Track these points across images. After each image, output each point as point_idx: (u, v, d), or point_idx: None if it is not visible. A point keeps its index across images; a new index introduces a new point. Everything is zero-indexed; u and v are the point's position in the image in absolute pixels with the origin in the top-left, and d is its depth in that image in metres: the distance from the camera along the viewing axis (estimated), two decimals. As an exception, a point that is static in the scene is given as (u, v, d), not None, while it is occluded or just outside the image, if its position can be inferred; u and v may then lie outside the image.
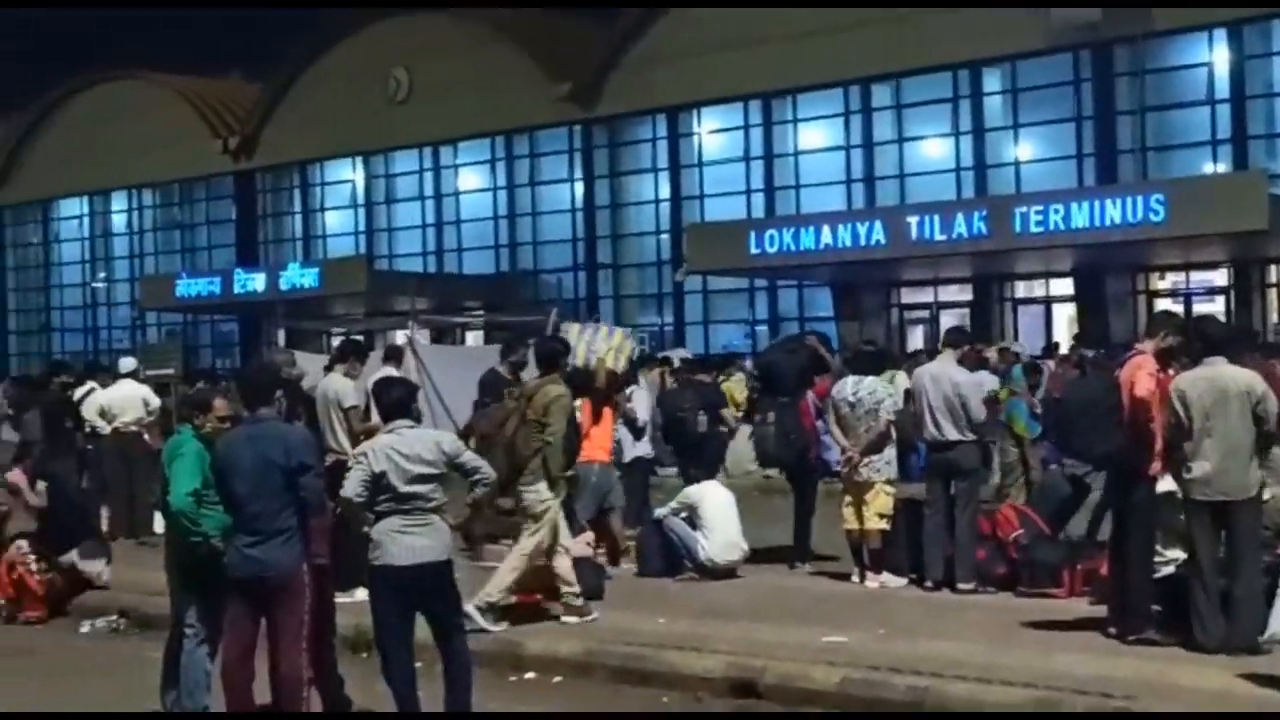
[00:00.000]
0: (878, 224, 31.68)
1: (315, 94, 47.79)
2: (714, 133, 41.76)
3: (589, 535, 13.67)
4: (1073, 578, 12.17)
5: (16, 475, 16.08)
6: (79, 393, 18.46)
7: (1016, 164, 36.30)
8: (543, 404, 11.78)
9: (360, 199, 49.31)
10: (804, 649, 10.40)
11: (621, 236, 43.69)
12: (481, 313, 42.99)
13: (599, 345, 14.24)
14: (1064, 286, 35.40)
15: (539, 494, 11.66)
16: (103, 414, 17.53)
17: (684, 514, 13.85)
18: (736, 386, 24.03)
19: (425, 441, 8.98)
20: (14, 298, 59.85)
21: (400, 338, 22.75)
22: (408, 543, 8.76)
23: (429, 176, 47.29)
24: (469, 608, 10.56)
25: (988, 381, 16.66)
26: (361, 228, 49.04)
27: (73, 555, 13.92)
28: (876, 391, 13.20)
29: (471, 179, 46.99)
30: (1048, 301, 36.29)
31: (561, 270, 44.17)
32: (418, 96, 45.22)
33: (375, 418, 10.14)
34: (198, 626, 9.13)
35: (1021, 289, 37.18)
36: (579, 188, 43.95)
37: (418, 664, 9.01)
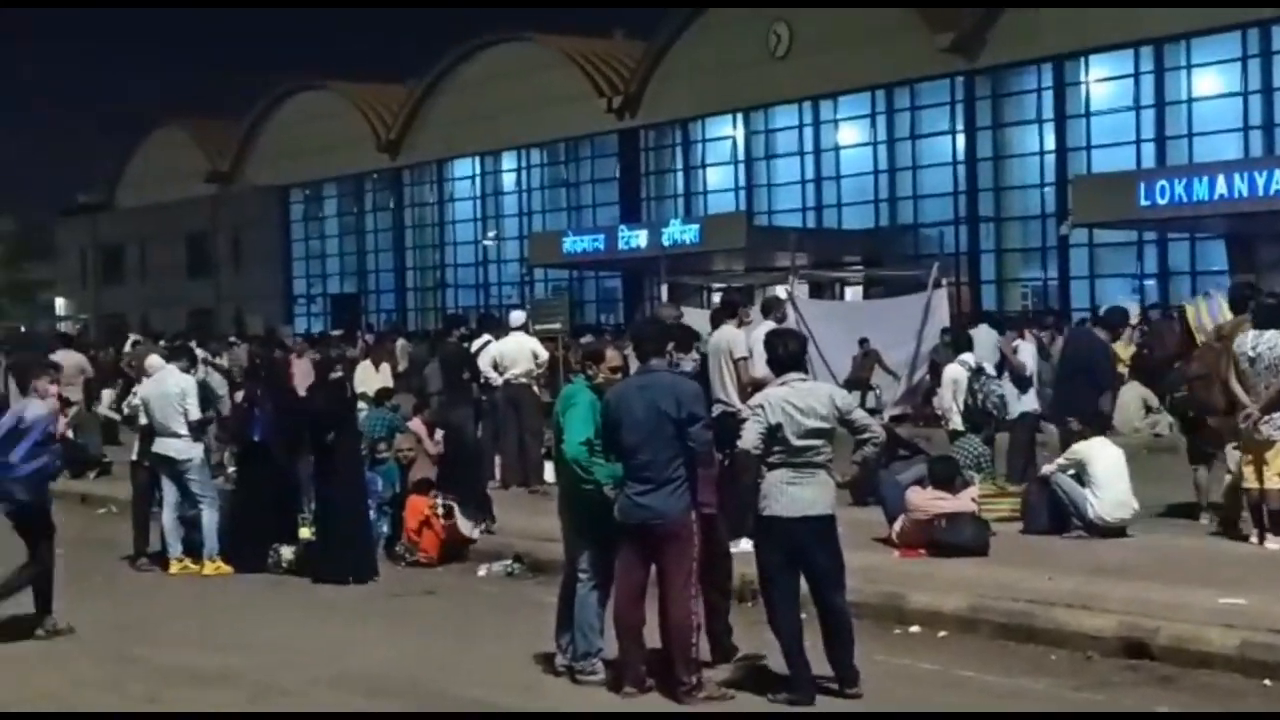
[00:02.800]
0: (1277, 173, 30.28)
1: (696, 51, 48.29)
2: (1101, 81, 40.55)
3: (974, 490, 13.54)
4: None
5: (417, 425, 16.85)
6: (475, 345, 19.14)
7: None
8: None
9: (740, 155, 49.66)
10: (1199, 610, 10.05)
11: (1004, 189, 42.88)
12: (860, 267, 42.86)
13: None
14: None
15: None
16: (495, 366, 18.09)
17: (1072, 471, 13.56)
18: (1123, 344, 23.32)
19: (819, 395, 9.01)
20: (411, 255, 62.41)
21: (781, 292, 22.81)
22: (796, 494, 8.83)
23: (808, 131, 47.27)
24: None
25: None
26: (741, 184, 49.40)
27: (455, 511, 14.47)
28: (1277, 346, 12.60)
29: (851, 133, 46.81)
30: None
31: (942, 224, 43.65)
32: (798, 51, 45.21)
33: (760, 370, 10.21)
34: (590, 571, 9.39)
35: None
36: (960, 140, 43.29)
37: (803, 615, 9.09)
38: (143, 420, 14.45)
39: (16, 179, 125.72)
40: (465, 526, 14.38)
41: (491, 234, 57.66)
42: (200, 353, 18.06)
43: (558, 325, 22.98)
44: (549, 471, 16.72)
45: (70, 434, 19.91)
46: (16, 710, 9.21)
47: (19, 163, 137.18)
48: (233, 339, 32.37)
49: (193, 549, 14.16)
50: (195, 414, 14.23)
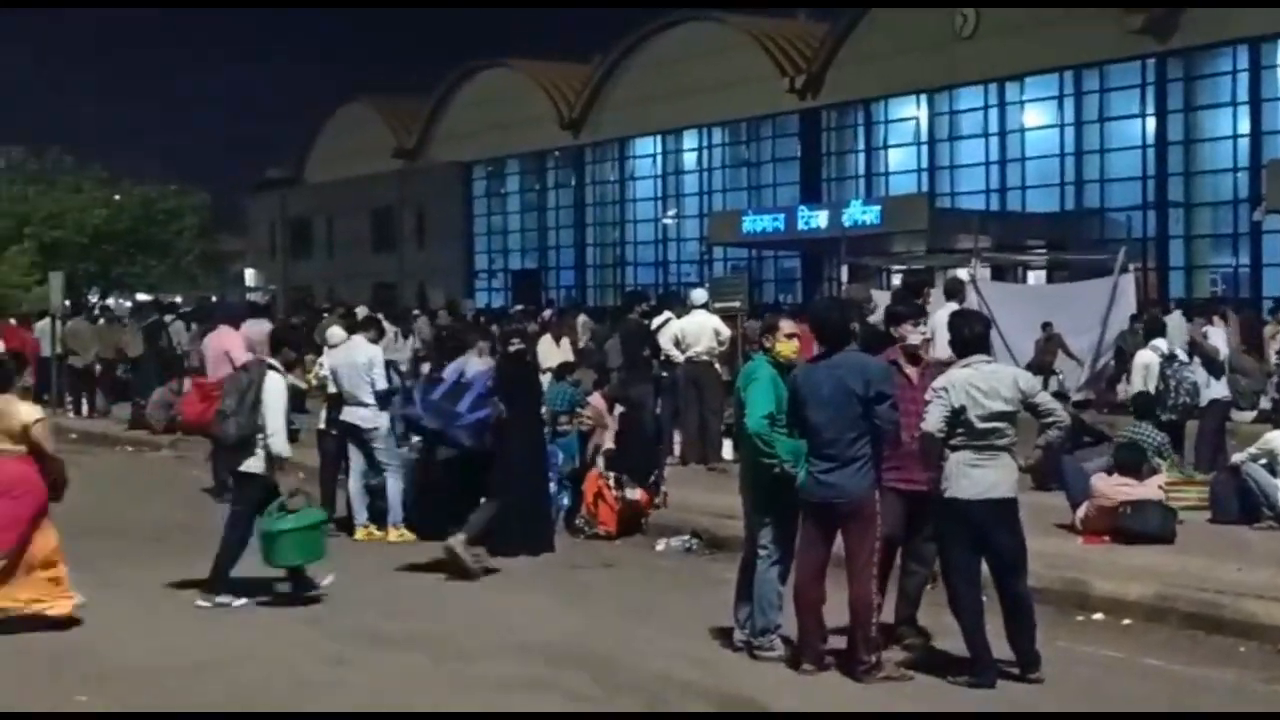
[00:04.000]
0: None
1: (880, 32, 47.90)
2: (1300, 63, 39.49)
3: (1161, 478, 13.32)
4: None
5: (597, 400, 16.99)
6: (656, 322, 19.23)
7: None
8: None
9: (923, 136, 49.20)
10: (1396, 607, 9.80)
11: (1195, 174, 41.98)
12: (1044, 251, 42.23)
13: None
14: None
15: None
16: (677, 343, 18.16)
17: (1264, 460, 13.26)
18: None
19: (1003, 378, 8.93)
20: (591, 232, 62.82)
21: (963, 275, 22.57)
22: (978, 476, 8.77)
23: (993, 113, 46.68)
24: None
25: None
26: (923, 165, 48.95)
27: (624, 481, 14.57)
28: None
29: (1037, 115, 46.13)
30: None
31: (1129, 209, 42.81)
32: (984, 32, 44.62)
33: (942, 351, 10.13)
34: (771, 548, 9.41)
35: None
36: (1150, 123, 42.43)
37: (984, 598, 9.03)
38: (331, 389, 14.78)
39: (212, 154, 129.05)
40: (635, 494, 14.51)
41: (671, 212, 57.80)
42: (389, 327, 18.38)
43: (736, 304, 22.92)
44: (728, 449, 16.81)
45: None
46: (202, 661, 9.49)
47: (214, 137, 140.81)
48: (415, 311, 32.94)
49: (378, 516, 14.45)
50: (382, 383, 14.51)
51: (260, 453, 11.31)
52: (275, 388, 11.31)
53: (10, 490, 10.37)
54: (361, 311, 16.22)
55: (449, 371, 13.12)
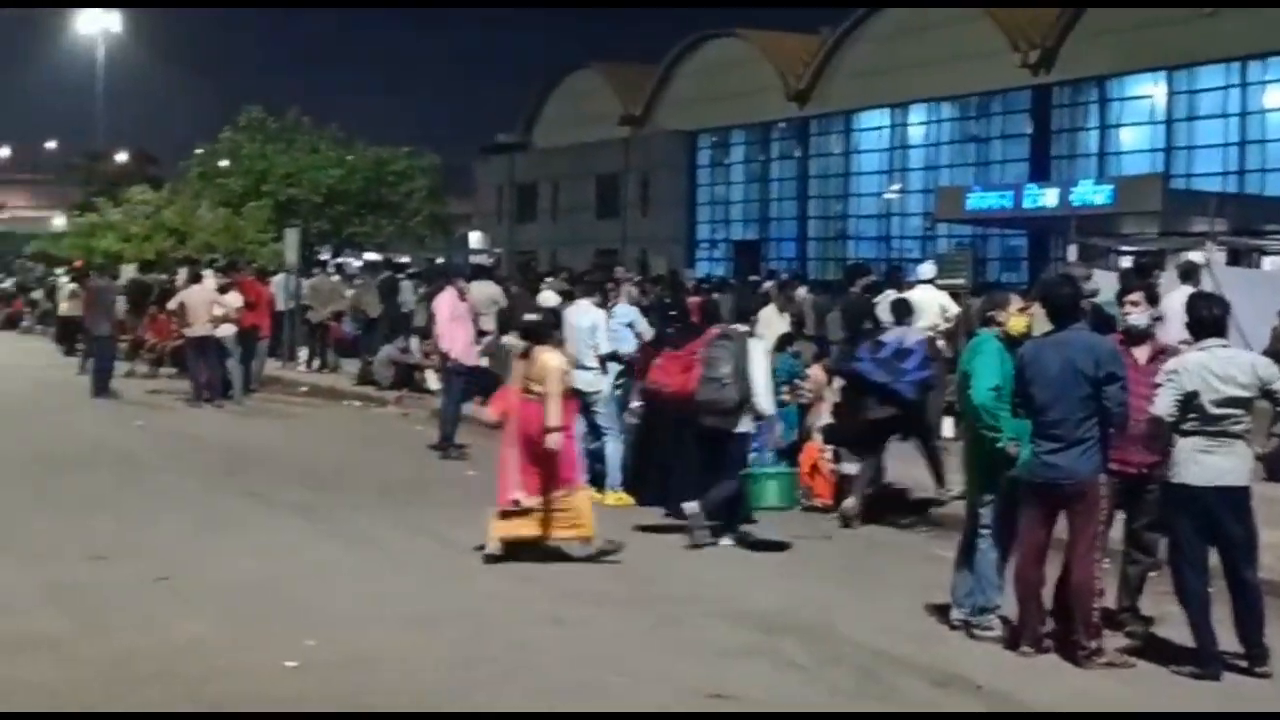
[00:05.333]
0: None
1: (1118, 8, 46.71)
2: None
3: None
4: None
5: (816, 372, 16.93)
6: (879, 296, 19.08)
7: None
8: None
9: (1160, 115, 47.96)
10: None
11: None
12: (1283, 237, 40.89)
13: None
14: None
15: None
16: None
17: None
18: None
19: (1239, 363, 8.70)
20: (814, 205, 62.55)
21: (1196, 258, 21.96)
22: (1209, 463, 8.58)
23: (1235, 93, 45.35)
24: None
25: None
26: (1159, 145, 47.73)
27: (840, 455, 14.50)
28: None
29: (1280, 96, 44.73)
30: None
31: (1376, 195, 41.28)
32: (1227, 10, 43.27)
33: (1174, 334, 9.90)
34: (992, 527, 9.33)
35: None
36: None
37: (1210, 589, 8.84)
38: (555, 351, 14.96)
39: (443, 117, 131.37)
40: (851, 468, 14.44)
41: (896, 187, 57.28)
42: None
43: (960, 281, 22.64)
44: (949, 427, 16.63)
45: (485, 362, 20.79)
46: (423, 615, 9.72)
47: (447, 101, 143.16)
48: (637, 278, 33.12)
49: (596, 480, 14.62)
50: (604, 348, 14.67)
51: (748, 413, 12.24)
52: (758, 353, 12.30)
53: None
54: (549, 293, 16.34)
55: (891, 338, 13.82)
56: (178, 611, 9.70)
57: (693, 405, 12.46)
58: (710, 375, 12.16)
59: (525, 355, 11.85)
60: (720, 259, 64.23)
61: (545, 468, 11.53)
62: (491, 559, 11.44)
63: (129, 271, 34.55)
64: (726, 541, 12.37)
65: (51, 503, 13.99)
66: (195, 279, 24.74)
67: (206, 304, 23.24)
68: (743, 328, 12.66)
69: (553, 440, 11.44)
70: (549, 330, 12.22)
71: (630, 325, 16.01)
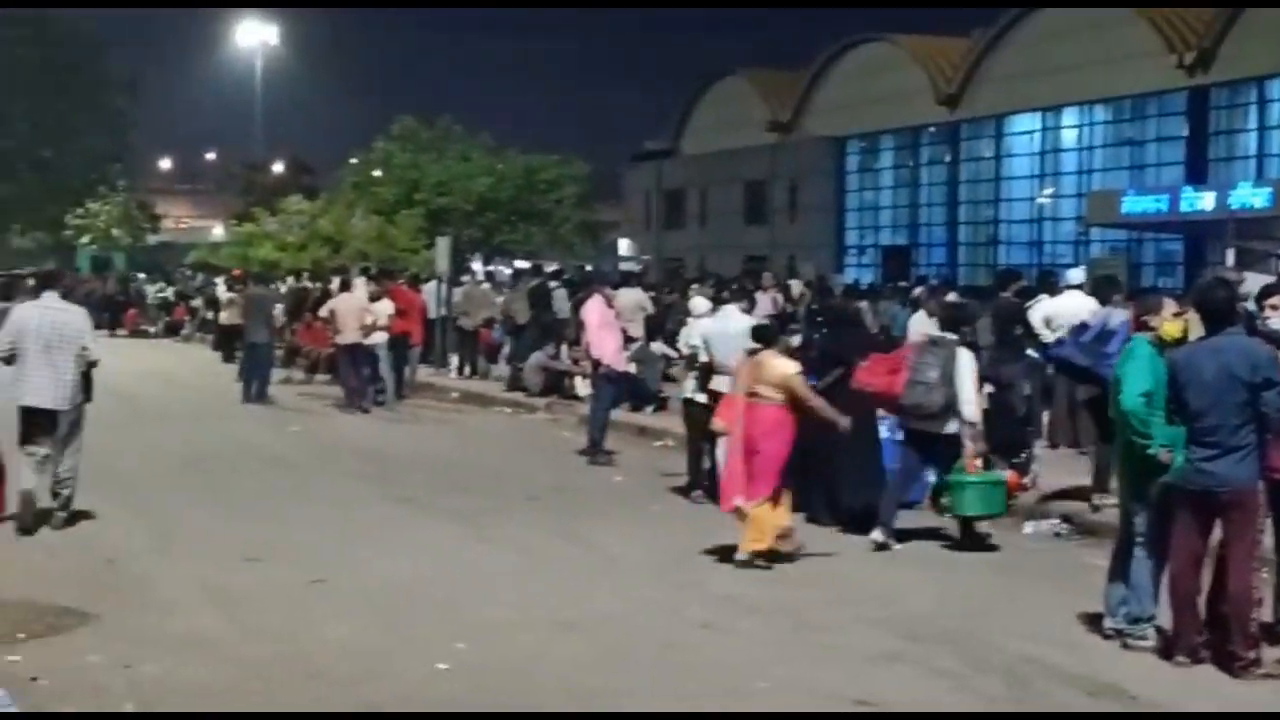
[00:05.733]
0: None
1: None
2: None
3: None
4: None
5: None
6: (1030, 302, 18.88)
7: None
8: None
9: (1322, 116, 46.87)
10: None
11: None
12: None
13: None
14: None
15: None
16: (1047, 323, 17.81)
17: None
18: None
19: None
20: (964, 210, 61.96)
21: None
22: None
23: (1399, 91, 44.15)
24: None
25: None
26: (1320, 146, 46.62)
27: (992, 462, 14.34)
28: None
29: None
30: None
31: None
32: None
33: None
34: (1146, 535, 9.18)
35: None
36: None
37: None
38: (703, 358, 14.99)
39: (593, 125, 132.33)
40: (1002, 474, 14.27)
41: (1048, 191, 56.54)
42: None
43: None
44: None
45: (633, 368, 20.91)
46: (572, 619, 9.80)
47: (597, 109, 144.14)
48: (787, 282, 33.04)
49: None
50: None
51: (954, 418, 12.43)
52: (966, 362, 12.48)
53: (772, 434, 11.72)
54: (700, 299, 16.47)
55: (1094, 320, 13.86)
56: (331, 613, 9.88)
57: (897, 407, 12.81)
58: (917, 379, 12.43)
59: (751, 359, 12.13)
60: (868, 265, 63.84)
61: (767, 467, 11.79)
62: (742, 564, 11.66)
63: (290, 282, 35.25)
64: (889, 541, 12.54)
65: (210, 506, 14.32)
66: (346, 287, 25.14)
67: (356, 312, 23.64)
68: (952, 336, 12.84)
69: (843, 423, 12.00)
70: (776, 335, 12.60)
71: None
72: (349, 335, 23.53)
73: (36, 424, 12.66)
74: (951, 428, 12.53)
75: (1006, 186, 59.70)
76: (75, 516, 12.96)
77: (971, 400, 12.51)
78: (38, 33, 74.25)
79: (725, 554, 11.97)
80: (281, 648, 9.00)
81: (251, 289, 27.66)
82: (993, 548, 12.61)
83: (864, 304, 24.34)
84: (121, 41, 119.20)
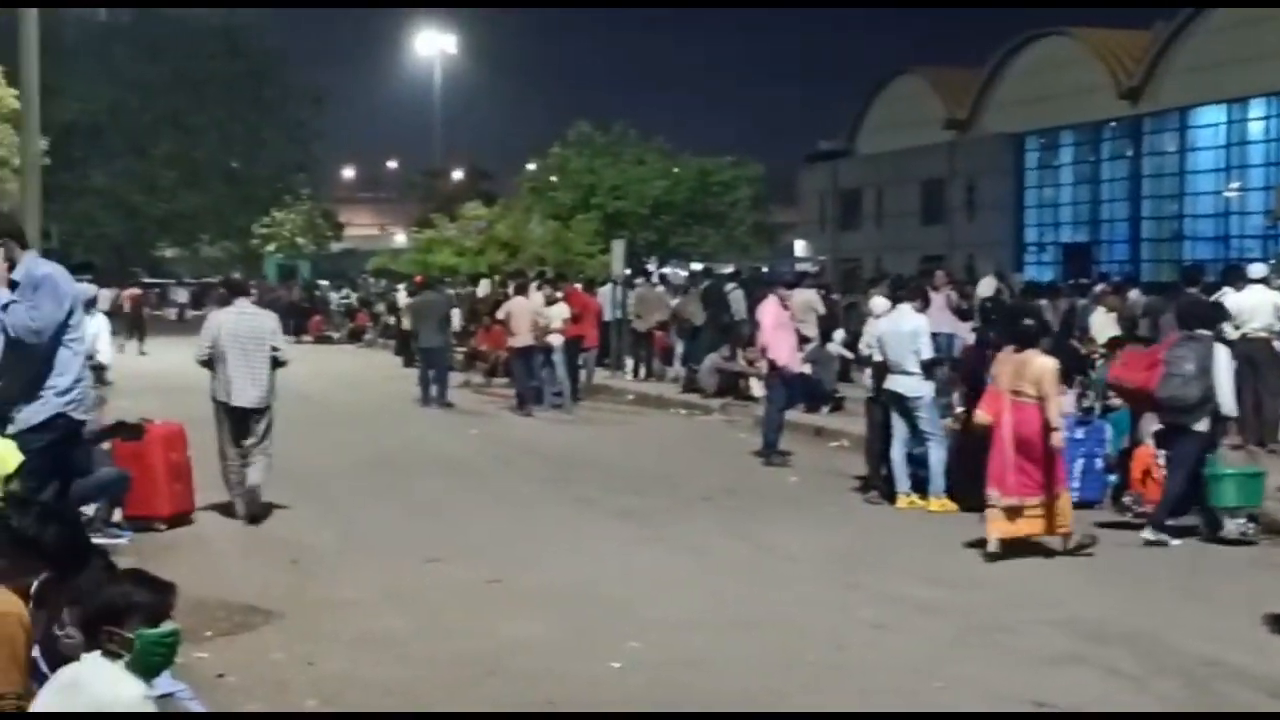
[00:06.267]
0: None
1: None
2: None
3: None
4: None
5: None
6: (1214, 297, 18.49)
7: None
8: None
9: None
10: None
11: None
12: None
13: None
14: None
15: None
16: (1229, 318, 17.43)
17: None
18: None
19: None
20: (1148, 205, 60.76)
21: None
22: None
23: None
24: None
25: None
26: None
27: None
28: None
29: None
30: None
31: None
32: None
33: None
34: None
35: None
36: None
37: None
38: (877, 357, 14.94)
39: (767, 126, 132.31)
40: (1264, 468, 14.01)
41: (1235, 185, 55.20)
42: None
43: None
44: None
45: (808, 369, 20.88)
46: (743, 619, 9.83)
47: (771, 110, 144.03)
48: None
49: (919, 485, 14.53)
50: (927, 353, 14.58)
51: (1207, 415, 12.52)
52: (1223, 356, 12.61)
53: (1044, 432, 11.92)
54: (879, 299, 16.43)
55: None
56: (508, 612, 10.03)
57: (1154, 402, 12.89)
58: (1173, 372, 12.53)
59: (1015, 357, 12.26)
60: (1049, 262, 62.86)
61: (1040, 467, 11.94)
62: (992, 557, 11.80)
63: (485, 287, 35.72)
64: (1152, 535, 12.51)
65: (391, 506, 14.62)
66: (521, 291, 25.46)
67: (530, 315, 23.99)
68: (1207, 332, 12.95)
69: (1056, 439, 11.90)
70: (1039, 334, 12.80)
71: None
72: (523, 338, 23.87)
73: (237, 421, 13.55)
74: (1201, 425, 12.54)
75: (1191, 180, 58.42)
76: (265, 513, 13.52)
77: (1229, 393, 12.60)
78: (227, 47, 76.22)
79: (903, 553, 11.91)
80: (459, 645, 9.15)
81: (424, 294, 28.15)
82: (1250, 542, 12.49)
83: (1043, 302, 24.03)
84: (306, 55, 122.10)
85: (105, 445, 12.72)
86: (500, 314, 25.25)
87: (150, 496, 12.93)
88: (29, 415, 8.60)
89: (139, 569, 6.27)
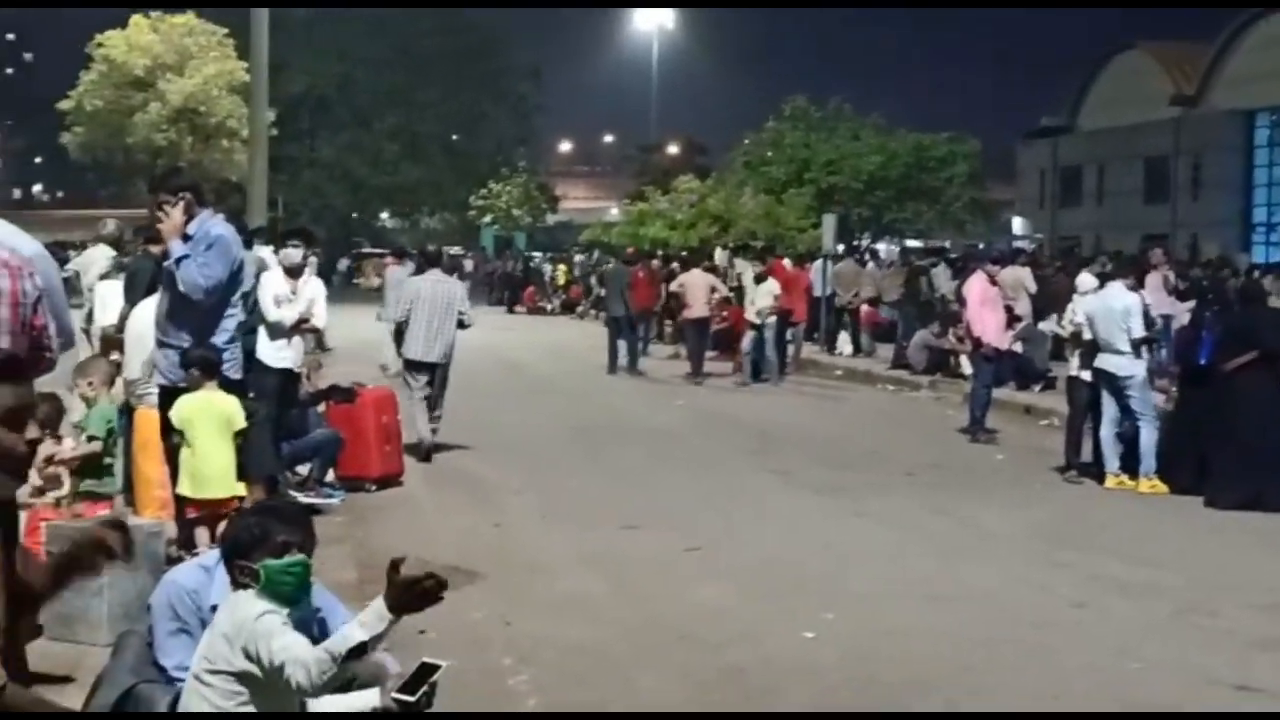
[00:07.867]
0: None
1: None
2: None
3: None
4: None
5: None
6: None
7: None
8: None
9: None
10: None
11: None
12: None
13: None
14: None
15: None
16: None
17: None
18: None
19: None
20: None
21: None
22: None
23: None
24: None
25: None
26: None
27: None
28: None
29: None
30: None
31: None
32: None
33: None
34: None
35: None
36: None
37: None
38: (1086, 336, 14.66)
39: (986, 102, 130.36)
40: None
41: None
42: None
43: None
44: None
45: (1018, 347, 20.59)
46: (940, 593, 9.74)
47: (990, 86, 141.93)
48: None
49: (1129, 465, 14.23)
50: (1139, 331, 14.26)
51: None
52: None
53: None
54: (1086, 276, 16.10)
55: None
56: (704, 580, 10.08)
57: None
58: None
59: None
60: (1277, 243, 60.93)
61: None
62: None
63: (722, 258, 35.86)
64: None
65: (592, 473, 14.81)
66: (709, 259, 25.98)
67: (705, 287, 24.85)
68: None
69: None
70: None
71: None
72: (697, 310, 24.71)
73: (422, 373, 15.21)
74: None
75: None
76: (464, 480, 13.84)
77: None
78: (444, 24, 77.38)
79: (1110, 533, 11.72)
80: (653, 610, 9.23)
81: (610, 265, 28.92)
82: None
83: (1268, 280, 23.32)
84: (527, 29, 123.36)
85: (320, 408, 13.10)
86: (674, 286, 25.99)
87: (362, 458, 13.26)
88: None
89: (276, 504, 6.51)
